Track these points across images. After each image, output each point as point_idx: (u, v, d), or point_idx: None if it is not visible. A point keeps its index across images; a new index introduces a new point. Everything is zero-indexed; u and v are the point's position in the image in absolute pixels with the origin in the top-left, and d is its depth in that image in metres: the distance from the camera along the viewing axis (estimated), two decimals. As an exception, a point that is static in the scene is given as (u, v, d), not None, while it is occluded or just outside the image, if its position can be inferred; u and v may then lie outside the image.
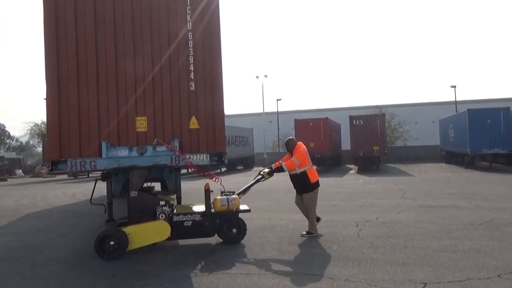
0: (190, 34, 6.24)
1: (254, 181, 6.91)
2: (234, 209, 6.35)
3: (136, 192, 6.16)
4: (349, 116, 26.43)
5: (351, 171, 25.16)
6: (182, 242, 6.65)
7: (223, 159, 6.30)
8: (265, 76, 40.72)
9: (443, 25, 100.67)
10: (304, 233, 6.89)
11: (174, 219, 6.15)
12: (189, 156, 6.08)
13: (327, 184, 16.70)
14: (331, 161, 28.79)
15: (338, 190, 14.09)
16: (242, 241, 6.51)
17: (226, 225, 6.42)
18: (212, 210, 6.35)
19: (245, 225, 6.51)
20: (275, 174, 6.97)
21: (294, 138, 7.47)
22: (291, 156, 6.94)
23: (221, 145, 6.32)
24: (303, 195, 6.94)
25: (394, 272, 4.78)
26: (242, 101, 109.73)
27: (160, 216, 5.99)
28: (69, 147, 5.90)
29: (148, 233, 5.96)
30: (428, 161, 30.82)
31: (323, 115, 29.45)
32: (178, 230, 6.14)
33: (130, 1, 6.19)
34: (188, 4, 6.27)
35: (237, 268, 5.15)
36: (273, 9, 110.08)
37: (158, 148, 6.06)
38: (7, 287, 4.86)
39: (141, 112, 6.09)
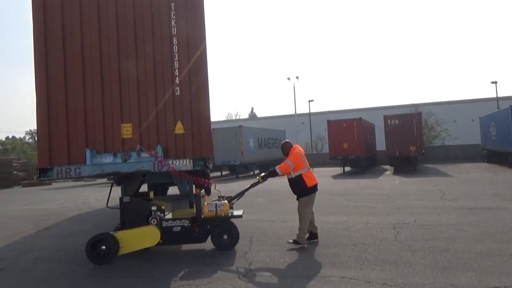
0: (175, 39, 6.24)
1: (249, 186, 6.81)
2: (223, 215, 6.23)
3: (129, 198, 6.32)
4: (384, 115, 25.83)
5: (386, 172, 24.57)
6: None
7: (208, 164, 6.15)
8: (297, 77, 40.55)
9: (482, 19, 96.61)
10: (291, 241, 6.51)
11: (163, 225, 6.19)
12: (172, 161, 6.06)
13: (362, 186, 16.39)
14: (365, 162, 28.22)
15: (374, 191, 13.79)
16: (275, 244, 6.51)
17: (217, 231, 6.34)
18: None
19: (237, 231, 6.39)
20: (276, 178, 6.67)
21: (289, 141, 7.28)
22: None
23: (206, 149, 6.21)
24: (299, 199, 6.66)
25: (434, 277, 4.63)
26: (274, 103, 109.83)
27: (151, 222, 6.10)
28: (58, 155, 6.07)
29: (139, 238, 6.04)
30: (468, 161, 29.57)
31: (356, 115, 28.93)
32: (168, 235, 6.19)
33: (114, 5, 6.24)
34: (173, 9, 6.27)
35: (272, 271, 5.15)
36: (303, 11, 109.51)
37: (142, 154, 6.11)
38: (53, 286, 5.09)
39: (126, 118, 6.18)
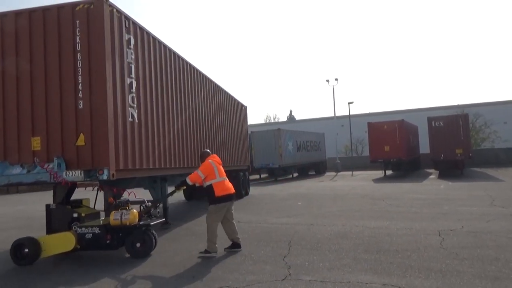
0: (79, 55, 6.57)
1: (167, 194, 6.95)
2: (128, 224, 6.29)
3: (55, 205, 6.88)
4: (427, 117, 24.95)
5: (431, 176, 23.68)
6: (258, 248, 6.75)
7: (98, 175, 6.31)
8: (336, 79, 39.83)
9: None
10: (202, 251, 6.39)
11: (78, 231, 6.40)
12: (65, 173, 6.31)
13: (405, 190, 15.89)
14: (408, 166, 27.40)
15: (417, 196, 13.32)
16: (314, 248, 6.43)
17: (130, 239, 6.41)
18: None
19: (151, 238, 6.47)
20: (214, 185, 6.53)
21: (208, 150, 7.28)
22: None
23: (102, 161, 6.38)
24: (208, 207, 6.58)
25: (484, 287, 4.39)
26: (313, 106, 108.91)
27: (73, 228, 6.45)
28: None
29: (57, 243, 6.33)
30: (521, 165, 27.90)
31: (398, 117, 28.19)
32: (82, 241, 6.36)
33: (27, 21, 6.71)
34: (77, 25, 6.59)
35: (311, 275, 5.08)
36: (342, 13, 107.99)
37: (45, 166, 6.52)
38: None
39: (36, 132, 6.63)
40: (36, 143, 6.62)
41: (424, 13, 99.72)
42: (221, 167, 6.76)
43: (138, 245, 6.40)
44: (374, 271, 5.15)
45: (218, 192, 6.46)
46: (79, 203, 7.28)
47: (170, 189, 7.91)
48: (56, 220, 6.82)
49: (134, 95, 7.49)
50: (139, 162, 7.54)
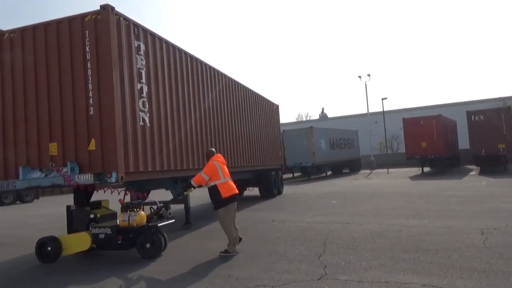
0: (89, 64, 6.87)
1: (173, 197, 7.06)
2: (135, 225, 6.49)
3: (74, 206, 7.26)
4: (466, 111, 23.99)
5: (471, 173, 22.78)
6: (293, 247, 6.74)
7: (106, 178, 6.57)
8: (368, 75, 39.13)
9: None
10: (222, 251, 6.47)
11: (93, 231, 6.71)
12: (77, 176, 6.64)
13: (443, 187, 15.37)
14: (446, 162, 26.51)
15: (457, 193, 12.84)
16: (350, 247, 6.34)
17: (140, 239, 6.55)
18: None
19: (160, 240, 6.58)
20: (219, 185, 6.57)
21: (213, 150, 7.27)
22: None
23: (111, 164, 6.66)
24: (218, 211, 6.57)
25: (532, 288, 4.18)
26: (345, 103, 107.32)
27: (90, 228, 6.75)
28: (3, 171, 7.32)
29: (76, 242, 6.71)
30: None
31: (434, 112, 27.29)
32: (97, 241, 6.65)
33: (43, 49, 7.15)
34: (87, 35, 6.90)
35: (347, 275, 5.02)
36: (373, 7, 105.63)
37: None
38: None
39: (53, 138, 7.05)
40: (54, 148, 7.04)
41: (461, 2, 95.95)
42: (225, 167, 6.83)
43: (147, 245, 6.57)
44: (413, 271, 5.02)
45: (224, 194, 6.52)
46: (98, 204, 7.63)
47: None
48: (76, 220, 7.19)
49: (145, 99, 7.73)
50: (151, 164, 7.78)
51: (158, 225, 6.70)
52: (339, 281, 4.80)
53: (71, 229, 7.20)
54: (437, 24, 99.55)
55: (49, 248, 6.70)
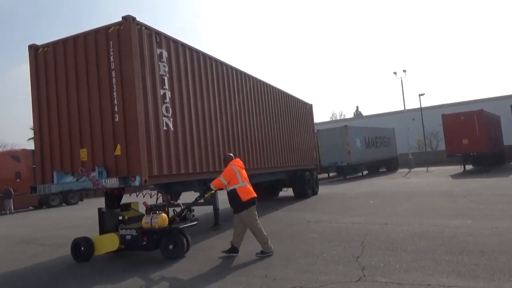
0: (113, 73, 7.20)
1: (194, 200, 7.08)
2: (157, 227, 6.62)
3: (104, 209, 7.58)
4: (511, 105, 22.83)
5: (518, 170, 21.63)
6: (329, 248, 6.66)
7: (130, 181, 6.82)
8: (404, 71, 37.88)
9: None
10: (258, 252, 6.46)
11: (120, 233, 6.97)
12: (104, 180, 6.92)
13: (488, 186, 14.69)
14: (490, 159, 25.34)
15: (503, 192, 12.22)
16: (389, 248, 6.18)
17: (164, 241, 6.69)
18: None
19: (182, 241, 6.72)
20: (238, 189, 6.57)
21: (231, 154, 7.33)
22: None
23: (135, 168, 6.94)
24: (240, 214, 6.57)
25: None
26: (380, 100, 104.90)
27: (120, 229, 7.02)
28: (41, 175, 7.85)
29: (106, 242, 7.04)
30: None
31: (476, 107, 26.18)
32: (124, 242, 6.91)
33: (73, 62, 7.60)
34: (111, 46, 7.22)
35: (387, 277, 4.89)
36: (406, 1, 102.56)
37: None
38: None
39: (83, 144, 7.48)
40: (84, 154, 7.46)
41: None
42: (243, 171, 6.85)
43: (170, 247, 6.70)
44: (457, 274, 4.82)
45: (244, 197, 6.56)
46: (127, 206, 7.93)
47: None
48: (106, 222, 7.51)
49: (169, 105, 7.92)
50: (176, 167, 7.95)
51: (180, 227, 6.85)
52: (378, 283, 4.69)
53: (102, 230, 7.51)
54: (476, 13, 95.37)
55: (83, 248, 7.08)
